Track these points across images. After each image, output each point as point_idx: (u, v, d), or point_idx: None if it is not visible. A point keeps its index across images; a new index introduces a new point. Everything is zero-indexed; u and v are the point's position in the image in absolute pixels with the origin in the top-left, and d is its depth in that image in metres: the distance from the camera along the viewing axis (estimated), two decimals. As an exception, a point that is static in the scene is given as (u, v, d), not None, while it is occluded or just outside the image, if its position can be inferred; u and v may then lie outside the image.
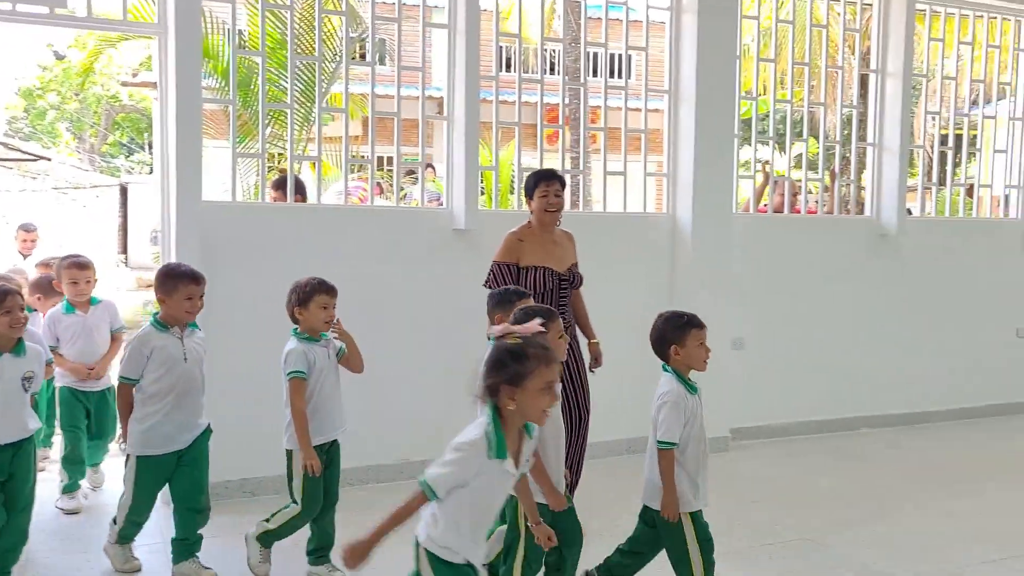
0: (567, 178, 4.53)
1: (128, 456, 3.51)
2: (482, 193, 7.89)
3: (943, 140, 7.02)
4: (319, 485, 3.48)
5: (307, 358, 3.41)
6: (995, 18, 6.99)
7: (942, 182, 7.03)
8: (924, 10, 6.64)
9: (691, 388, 3.13)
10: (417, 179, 9.99)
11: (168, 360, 3.42)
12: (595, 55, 6.53)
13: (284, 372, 3.42)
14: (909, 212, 7.51)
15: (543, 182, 4.19)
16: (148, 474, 3.49)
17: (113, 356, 4.62)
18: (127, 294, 13.77)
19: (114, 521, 3.63)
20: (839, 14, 6.46)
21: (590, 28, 5.93)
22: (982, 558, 3.92)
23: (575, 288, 4.24)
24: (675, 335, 3.13)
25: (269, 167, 8.74)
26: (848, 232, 6.44)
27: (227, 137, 4.75)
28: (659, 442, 3.08)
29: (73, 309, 4.49)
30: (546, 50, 9.54)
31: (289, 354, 3.42)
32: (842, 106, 6.81)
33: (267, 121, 5.62)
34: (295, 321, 3.49)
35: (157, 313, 3.50)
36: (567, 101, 7.91)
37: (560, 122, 5.56)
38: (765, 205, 6.66)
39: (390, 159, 5.26)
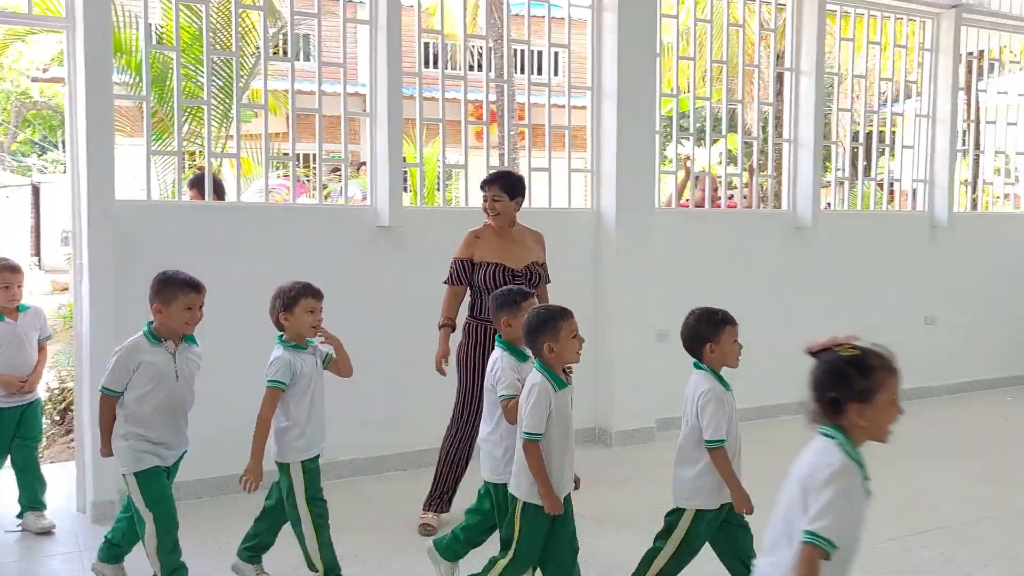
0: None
1: (124, 478, 3.23)
2: (408, 190, 7.87)
3: (855, 136, 7.29)
4: (319, 479, 3.36)
5: (292, 368, 3.26)
6: (901, 19, 7.29)
7: (865, 175, 7.30)
8: (835, 10, 6.88)
9: (726, 385, 3.15)
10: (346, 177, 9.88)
11: (156, 377, 3.18)
12: (522, 52, 6.57)
13: (265, 379, 3.26)
14: (828, 206, 7.78)
15: (482, 187, 4.32)
16: (155, 484, 3.20)
17: (43, 367, 4.30)
18: (42, 298, 13.23)
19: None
20: (755, 12, 6.64)
21: (515, 25, 5.97)
22: (889, 535, 4.09)
23: (535, 285, 4.27)
24: (710, 332, 3.13)
25: (189, 165, 8.53)
26: (767, 225, 6.64)
27: (142, 134, 4.63)
28: (709, 441, 3.04)
29: (1, 316, 4.16)
30: (472, 47, 9.55)
31: (274, 362, 3.27)
32: (760, 103, 7.00)
33: (184, 118, 5.48)
34: (280, 328, 3.33)
35: (151, 322, 3.24)
36: (493, 98, 7.94)
37: (484, 119, 5.57)
38: (687, 200, 6.81)
39: (315, 156, 5.19)
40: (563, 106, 5.83)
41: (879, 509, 4.44)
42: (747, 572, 3.12)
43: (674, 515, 3.14)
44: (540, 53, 5.82)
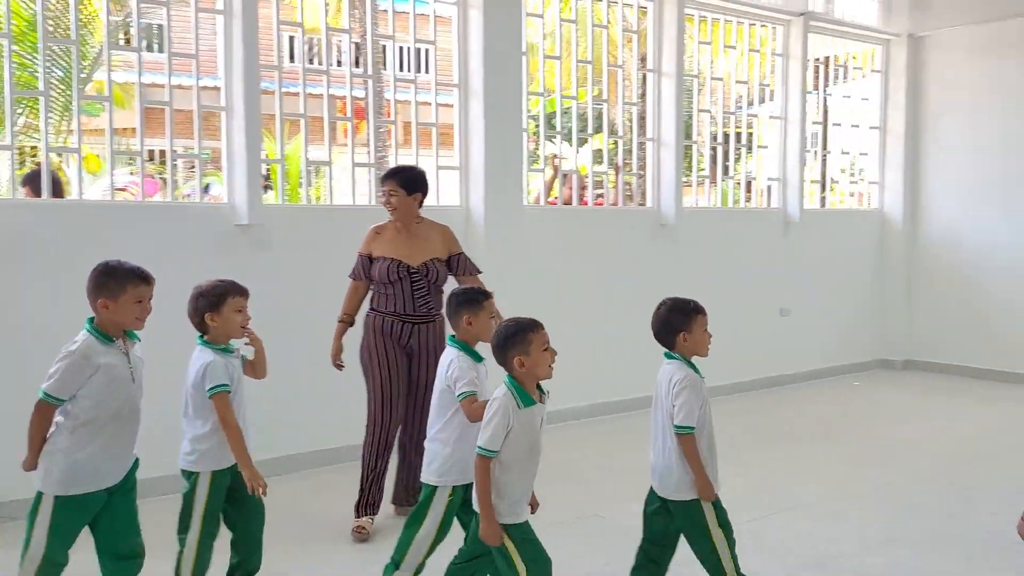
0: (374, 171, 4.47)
1: (40, 496, 2.83)
2: (270, 188, 7.61)
3: (714, 137, 7.58)
4: (224, 495, 3.15)
5: (228, 370, 3.08)
6: (754, 25, 7.63)
7: (724, 174, 7.59)
8: (694, 14, 7.12)
9: (699, 373, 3.13)
10: (210, 173, 9.46)
11: (114, 380, 2.84)
12: (397, 48, 6.49)
13: (205, 388, 3.03)
14: (696, 203, 8.07)
15: (381, 182, 4.28)
16: (69, 518, 2.84)
17: None
18: None
19: None
20: (617, 14, 6.78)
21: (382, 21, 5.87)
22: (750, 516, 4.25)
23: (433, 283, 4.21)
24: (682, 322, 3.13)
25: (30, 159, 7.93)
26: (632, 222, 6.80)
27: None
28: (679, 427, 3.03)
29: None
30: (338, 42, 9.36)
31: (210, 367, 3.05)
32: (624, 103, 7.17)
33: (20, 110, 5.09)
34: (203, 330, 3.12)
35: (92, 319, 2.88)
36: (361, 94, 7.79)
37: (348, 115, 5.45)
38: (555, 198, 6.89)
39: (173, 152, 4.93)
40: (430, 103, 5.78)
41: (740, 491, 4.66)
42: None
43: (693, 515, 3.10)
44: (411, 49, 5.74)
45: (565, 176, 7.03)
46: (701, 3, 7.05)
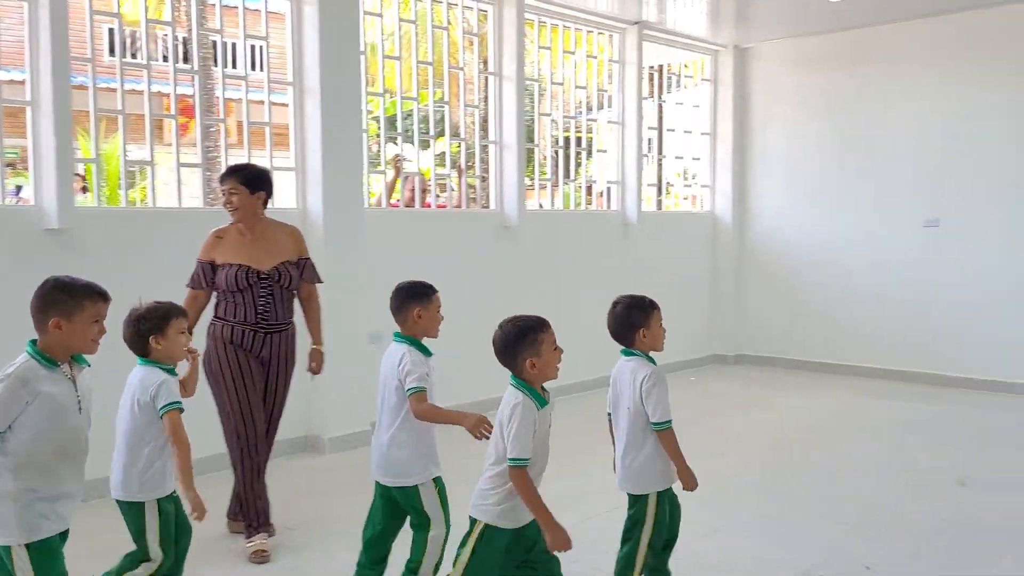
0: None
1: (10, 549, 2.53)
2: (88, 190, 7.11)
3: (556, 141, 7.74)
4: (173, 529, 3.01)
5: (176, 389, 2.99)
6: (592, 32, 7.84)
7: (566, 177, 7.75)
8: (534, 19, 7.24)
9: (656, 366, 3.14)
10: (18, 174, 8.74)
11: (57, 411, 2.55)
12: (230, 44, 6.22)
13: (158, 406, 2.89)
14: (540, 206, 8.20)
15: (220, 182, 4.03)
16: (53, 562, 2.58)
17: None
18: None
19: None
20: (457, 14, 6.79)
21: (212, 15, 5.60)
22: (587, 514, 4.35)
23: (285, 287, 4.00)
24: (641, 318, 3.13)
25: None
26: (476, 224, 6.83)
27: None
28: (658, 424, 3.07)
29: None
30: (164, 36, 8.88)
31: (164, 385, 2.92)
32: (466, 106, 7.18)
33: None
34: (144, 353, 2.98)
35: (34, 341, 2.58)
36: (189, 91, 7.42)
37: (173, 112, 5.16)
38: (398, 200, 6.81)
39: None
40: (263, 102, 5.57)
41: (578, 488, 4.75)
42: (668, 549, 3.24)
43: (637, 505, 3.13)
44: (244, 46, 5.51)
45: (407, 178, 6.96)
46: (540, 9, 7.17)
